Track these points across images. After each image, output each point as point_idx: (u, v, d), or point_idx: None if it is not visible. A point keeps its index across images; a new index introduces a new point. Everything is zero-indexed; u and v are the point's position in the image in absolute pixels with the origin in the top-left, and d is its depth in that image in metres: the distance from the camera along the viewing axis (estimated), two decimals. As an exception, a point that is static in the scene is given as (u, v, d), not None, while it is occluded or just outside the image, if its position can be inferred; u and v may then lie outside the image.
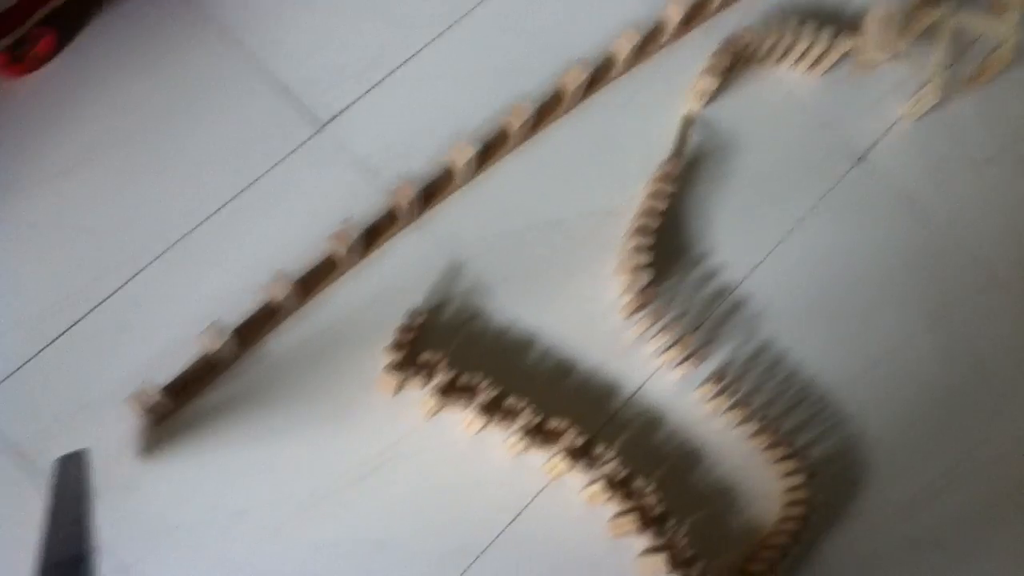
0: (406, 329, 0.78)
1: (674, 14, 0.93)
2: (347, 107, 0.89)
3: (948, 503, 0.87)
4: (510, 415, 0.77)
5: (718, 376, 0.83)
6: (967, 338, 0.92)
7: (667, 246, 0.89)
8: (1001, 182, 0.99)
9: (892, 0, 0.94)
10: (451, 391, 0.77)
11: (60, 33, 0.84)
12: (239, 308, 0.80)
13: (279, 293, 0.75)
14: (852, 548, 0.84)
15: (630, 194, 0.91)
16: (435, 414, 0.78)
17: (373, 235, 0.83)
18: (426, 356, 0.78)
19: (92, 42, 0.87)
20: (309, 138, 0.87)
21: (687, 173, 0.92)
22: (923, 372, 0.91)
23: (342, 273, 0.82)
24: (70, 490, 0.62)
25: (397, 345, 0.77)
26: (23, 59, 0.82)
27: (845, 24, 1.00)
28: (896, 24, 0.93)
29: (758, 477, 0.84)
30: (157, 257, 0.81)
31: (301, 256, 0.82)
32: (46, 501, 0.61)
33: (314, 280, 0.81)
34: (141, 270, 0.81)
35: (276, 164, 0.86)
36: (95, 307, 0.79)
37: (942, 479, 0.88)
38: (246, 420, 0.78)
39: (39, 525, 0.62)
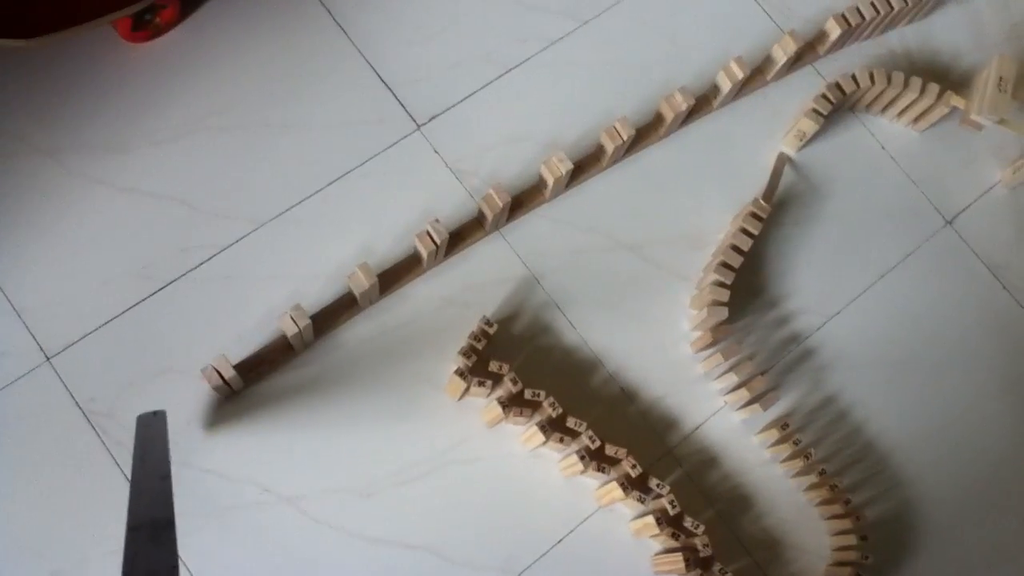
0: (478, 336, 0.78)
1: (782, 52, 0.91)
2: (445, 111, 0.89)
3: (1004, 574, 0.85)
4: (569, 435, 0.77)
5: (782, 423, 0.82)
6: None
7: (745, 285, 0.89)
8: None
9: (1005, 63, 0.91)
10: (514, 404, 0.77)
11: (183, 5, 0.85)
12: (322, 293, 0.81)
13: (360, 284, 0.75)
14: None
15: (715, 228, 0.90)
16: (496, 424, 0.79)
17: (458, 238, 0.84)
18: (494, 366, 0.78)
19: (211, 16, 0.88)
20: (406, 136, 0.88)
21: (775, 214, 0.92)
22: (988, 442, 0.89)
23: (423, 272, 0.83)
24: (155, 447, 0.64)
25: (467, 351, 0.78)
26: (147, 26, 0.83)
27: (953, 81, 0.98)
28: (1008, 88, 0.91)
29: (808, 530, 0.83)
30: (247, 234, 0.83)
31: (387, 248, 0.83)
32: (134, 456, 0.62)
33: (395, 275, 0.82)
34: (230, 245, 0.82)
35: (373, 156, 0.87)
36: (179, 276, 0.81)
37: (996, 554, 0.86)
38: (311, 407, 0.79)
39: (117, 481, 0.63)
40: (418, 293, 0.84)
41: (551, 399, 0.78)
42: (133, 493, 0.59)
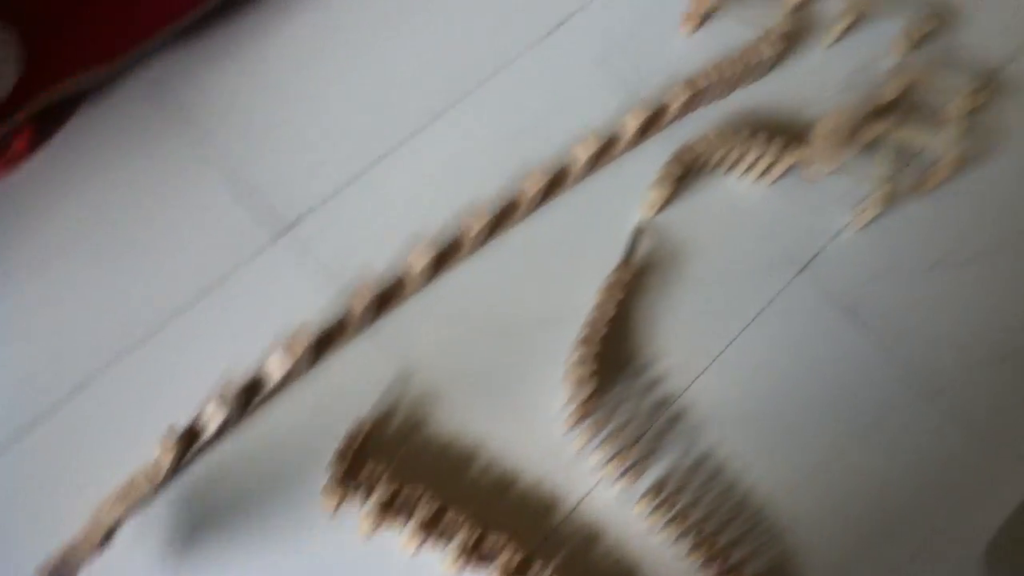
0: (349, 441, 0.79)
1: (630, 124, 0.94)
2: (309, 212, 0.90)
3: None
4: (449, 531, 0.78)
5: (656, 490, 0.85)
6: (901, 451, 0.95)
7: (613, 355, 0.91)
8: (942, 290, 1.01)
9: (839, 114, 0.96)
10: (390, 508, 0.78)
11: (38, 131, 0.84)
12: (184, 421, 0.80)
13: (218, 410, 0.75)
14: (783, 665, 0.85)
15: (581, 302, 0.92)
16: (376, 531, 0.79)
17: (324, 344, 0.84)
18: (368, 470, 0.78)
19: (69, 141, 0.87)
20: (272, 243, 0.88)
21: (637, 281, 0.94)
22: (858, 483, 0.93)
23: (293, 381, 0.83)
24: None
25: (339, 458, 0.78)
26: (1, 157, 0.82)
27: (797, 134, 1.03)
28: (843, 138, 0.95)
29: (693, 592, 0.85)
30: (99, 372, 0.81)
31: (254, 365, 0.83)
32: None
33: (255, 391, 0.81)
34: (82, 387, 0.81)
35: (236, 269, 0.87)
36: (37, 421, 0.79)
37: (874, 593, 0.90)
38: (182, 552, 0.78)
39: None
40: (289, 404, 0.84)
41: (428, 496, 0.78)
42: None
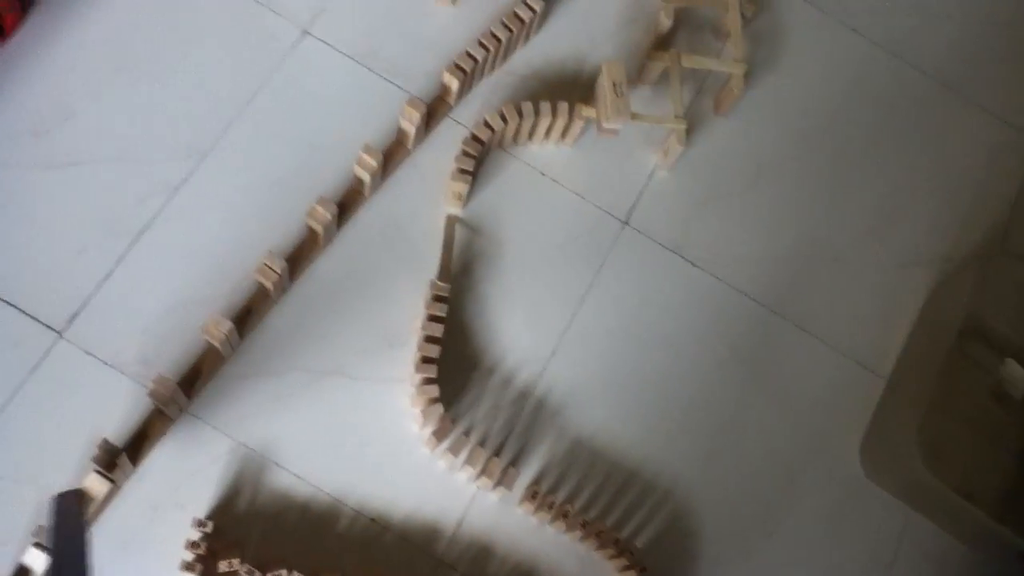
0: (196, 543, 0.72)
1: (408, 122, 0.90)
2: (84, 306, 0.81)
3: (779, 544, 0.89)
4: (328, 602, 0.73)
5: (534, 488, 0.82)
6: (764, 372, 0.95)
7: (459, 362, 0.87)
8: (757, 205, 1.01)
9: (616, 63, 0.93)
10: (260, 597, 0.72)
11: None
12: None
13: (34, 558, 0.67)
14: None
15: (411, 316, 0.88)
16: (250, 625, 0.73)
17: (143, 440, 0.77)
18: (224, 565, 0.72)
19: None
20: (50, 348, 0.79)
21: (463, 280, 0.90)
22: (730, 414, 0.93)
23: (117, 493, 0.76)
24: (74, 532, 0.59)
25: (191, 564, 0.71)
26: None
27: (585, 87, 1.00)
28: (623, 90, 0.93)
29: (598, 576, 0.83)
30: None
31: (65, 484, 0.75)
32: (50, 540, 0.58)
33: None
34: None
35: (22, 385, 0.78)
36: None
37: (770, 520, 0.90)
38: None
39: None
40: (118, 511, 0.76)
41: (294, 574, 0.73)
42: None
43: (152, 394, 0.73)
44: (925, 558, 0.92)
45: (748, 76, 1.03)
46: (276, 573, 0.72)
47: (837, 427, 0.94)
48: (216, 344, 0.76)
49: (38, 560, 0.69)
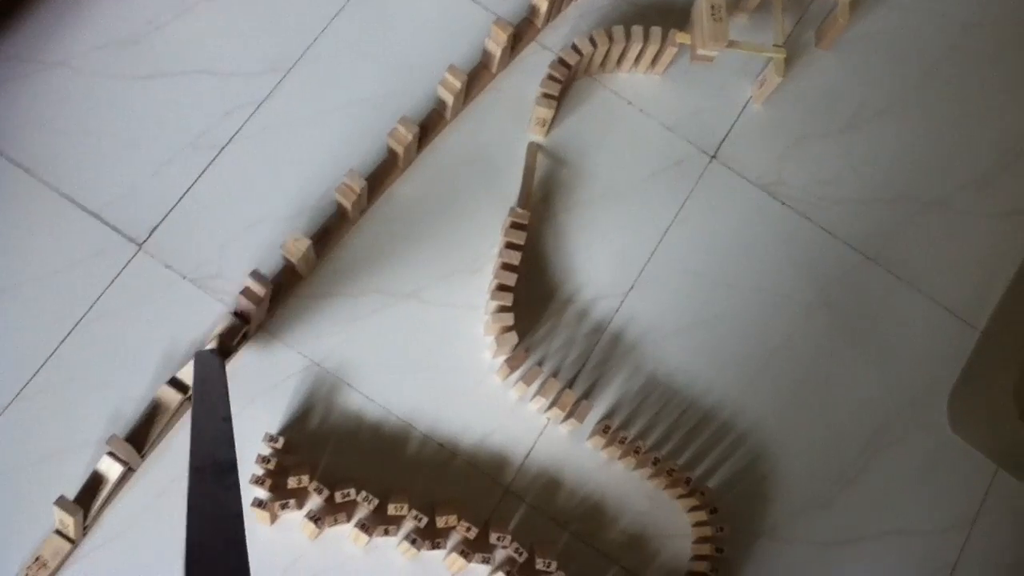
0: (266, 458, 0.73)
1: (495, 44, 0.87)
2: (163, 218, 0.82)
3: (858, 494, 0.86)
4: (394, 522, 0.73)
5: (603, 426, 0.80)
6: (852, 318, 0.91)
7: (536, 292, 0.86)
8: (857, 146, 0.96)
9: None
10: (327, 512, 0.73)
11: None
12: (89, 466, 0.74)
13: (113, 464, 0.69)
14: (771, 567, 0.83)
15: (489, 244, 0.86)
16: (319, 536, 0.74)
17: (223, 351, 0.77)
18: (293, 481, 0.73)
19: None
20: (130, 259, 0.81)
21: (543, 207, 0.88)
22: (811, 362, 0.90)
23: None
24: (215, 386, 0.63)
25: (261, 478, 0.72)
26: None
27: (679, 14, 0.96)
28: (722, 14, 0.88)
29: (666, 515, 0.82)
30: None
31: (144, 393, 0.77)
32: (193, 395, 0.61)
33: (146, 431, 0.75)
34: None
35: (102, 294, 0.80)
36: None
37: (851, 469, 0.87)
38: None
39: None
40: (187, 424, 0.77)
41: (363, 493, 0.73)
42: (195, 433, 0.58)
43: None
44: (1010, 516, 0.88)
45: (854, 6, 0.96)
46: (345, 491, 0.72)
47: (926, 378, 0.90)
48: (294, 262, 0.76)
49: (113, 468, 0.70)
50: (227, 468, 0.55)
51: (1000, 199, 0.96)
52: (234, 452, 0.57)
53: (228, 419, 0.60)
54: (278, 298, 0.80)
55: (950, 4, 1.01)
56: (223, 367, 0.67)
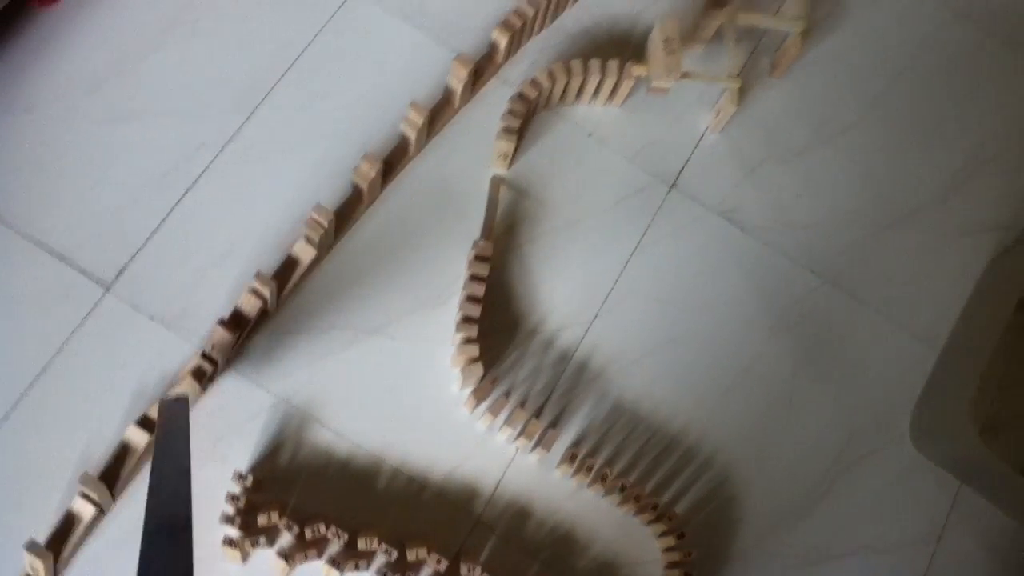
0: (235, 496, 0.73)
1: (456, 80, 0.88)
2: (131, 259, 0.83)
3: (825, 514, 0.87)
4: (365, 558, 0.74)
5: (570, 454, 0.81)
6: (814, 341, 0.92)
7: (500, 323, 0.87)
8: (814, 171, 0.99)
9: (671, 19, 0.91)
10: (300, 547, 0.73)
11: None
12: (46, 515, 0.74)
13: (85, 505, 0.69)
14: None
15: (454, 277, 0.87)
16: (290, 573, 0.74)
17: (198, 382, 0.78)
18: (263, 518, 0.73)
19: None
20: (97, 302, 0.81)
21: (506, 238, 0.90)
22: (773, 385, 0.91)
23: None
24: (176, 437, 0.63)
25: (230, 517, 0.72)
26: None
27: (637, 46, 0.98)
28: (676, 47, 0.90)
29: (636, 542, 0.83)
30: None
31: (112, 438, 0.76)
32: (155, 446, 0.61)
33: (116, 472, 0.75)
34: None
35: (68, 337, 0.80)
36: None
37: (817, 489, 0.88)
38: None
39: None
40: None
41: (333, 528, 0.74)
42: (152, 489, 0.58)
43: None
44: (974, 533, 0.89)
45: (807, 35, 0.99)
46: (315, 527, 0.73)
47: (889, 397, 0.92)
48: (260, 299, 0.77)
49: (85, 509, 0.70)
50: (181, 526, 0.56)
51: (957, 218, 0.98)
52: (189, 508, 0.57)
53: (186, 472, 0.60)
54: (244, 335, 0.81)
55: (900, 31, 1.04)
56: (187, 415, 0.67)
